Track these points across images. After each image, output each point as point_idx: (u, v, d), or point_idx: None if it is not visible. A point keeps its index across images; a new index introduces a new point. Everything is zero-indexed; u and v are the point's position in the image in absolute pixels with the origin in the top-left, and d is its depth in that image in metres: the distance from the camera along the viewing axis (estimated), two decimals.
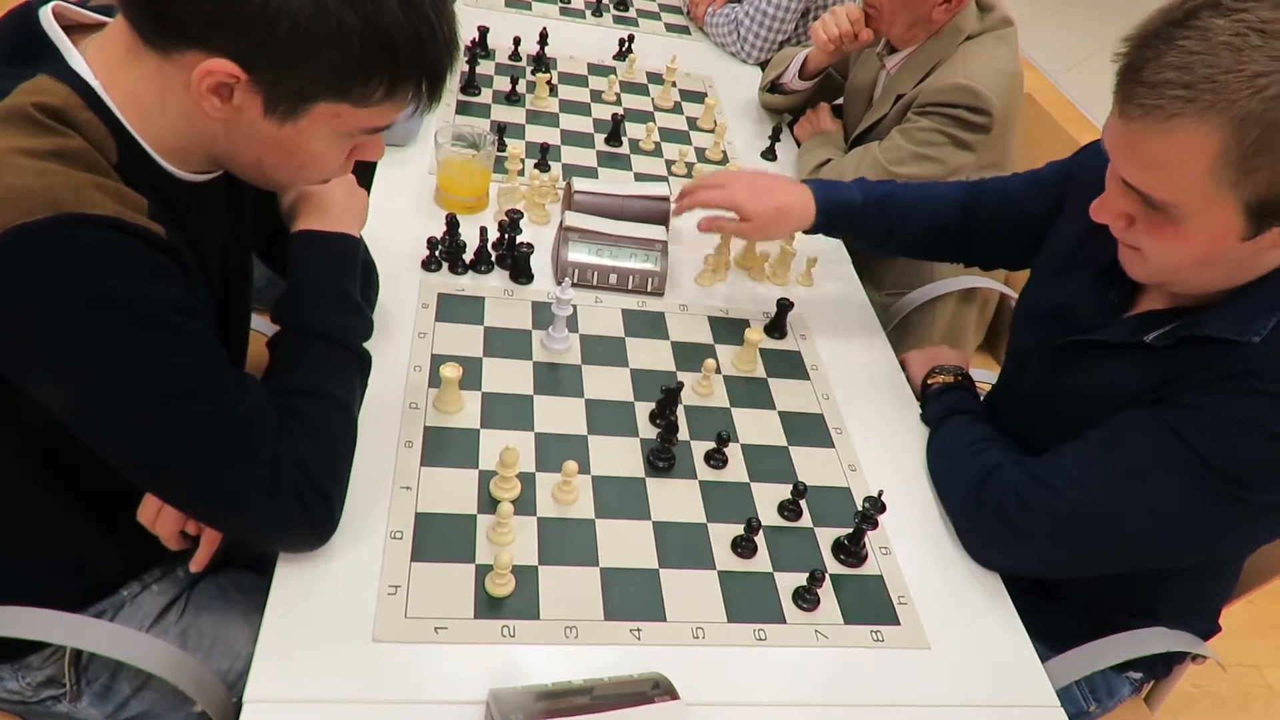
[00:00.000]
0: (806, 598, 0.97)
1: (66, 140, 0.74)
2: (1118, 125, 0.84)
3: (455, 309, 1.24)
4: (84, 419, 0.79)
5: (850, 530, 1.03)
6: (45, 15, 0.79)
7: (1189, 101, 0.76)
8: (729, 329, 1.33)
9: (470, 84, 1.76)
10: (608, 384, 1.19)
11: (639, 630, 0.91)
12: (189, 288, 0.81)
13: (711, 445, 1.11)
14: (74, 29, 0.81)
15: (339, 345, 0.95)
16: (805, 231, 1.27)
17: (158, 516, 0.91)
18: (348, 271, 1.01)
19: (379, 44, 0.76)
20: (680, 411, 1.14)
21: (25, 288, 0.72)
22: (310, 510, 0.87)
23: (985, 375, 1.42)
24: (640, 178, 1.64)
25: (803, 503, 1.07)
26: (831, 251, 1.57)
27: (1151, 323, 0.97)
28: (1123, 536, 0.97)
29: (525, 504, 1.00)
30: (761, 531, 1.01)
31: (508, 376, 1.16)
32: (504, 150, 1.51)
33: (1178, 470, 0.91)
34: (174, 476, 0.83)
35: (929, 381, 1.27)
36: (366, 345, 0.99)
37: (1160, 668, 1.23)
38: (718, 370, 1.24)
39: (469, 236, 1.32)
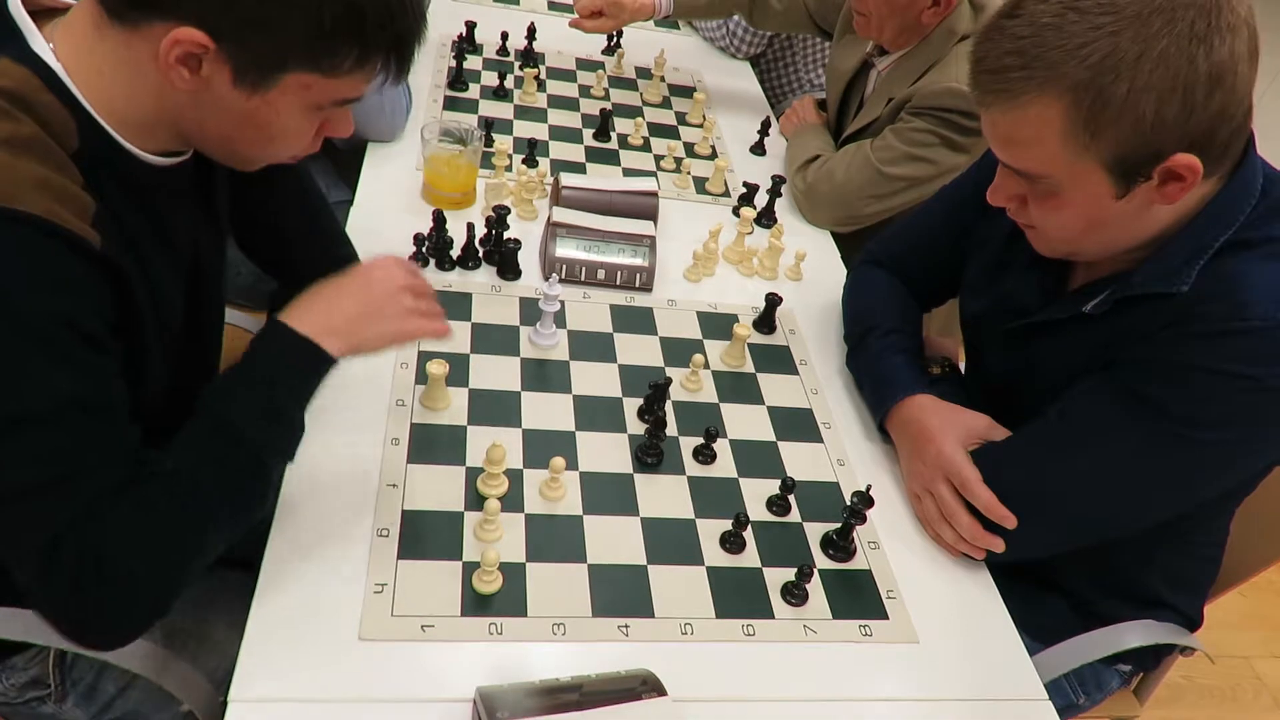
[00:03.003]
0: (795, 593, 0.97)
1: (18, 127, 0.72)
2: (984, 114, 0.92)
3: (442, 305, 1.22)
4: None
5: (839, 525, 1.03)
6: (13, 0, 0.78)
7: (1028, 80, 0.85)
8: (717, 324, 1.33)
9: (457, 79, 1.75)
10: (596, 380, 1.18)
11: (627, 627, 0.91)
12: (110, 309, 0.77)
13: (700, 441, 1.10)
14: (44, 14, 0.80)
15: (243, 451, 0.82)
16: None
17: None
18: (297, 385, 0.86)
19: (347, 12, 0.76)
20: (668, 407, 1.14)
21: None
22: (81, 604, 0.75)
23: None
24: (629, 173, 1.64)
25: (791, 498, 1.06)
26: (820, 246, 1.57)
27: (1087, 295, 1.01)
28: (1097, 500, 0.99)
29: (513, 500, 0.99)
30: (750, 527, 1.01)
31: (495, 373, 1.15)
32: (491, 146, 1.51)
33: (1135, 423, 0.94)
34: None
35: None
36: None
37: (1149, 660, 1.24)
38: (706, 365, 1.23)
39: (456, 232, 1.31)
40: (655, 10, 1.81)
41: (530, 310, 1.26)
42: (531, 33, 1.88)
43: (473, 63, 1.84)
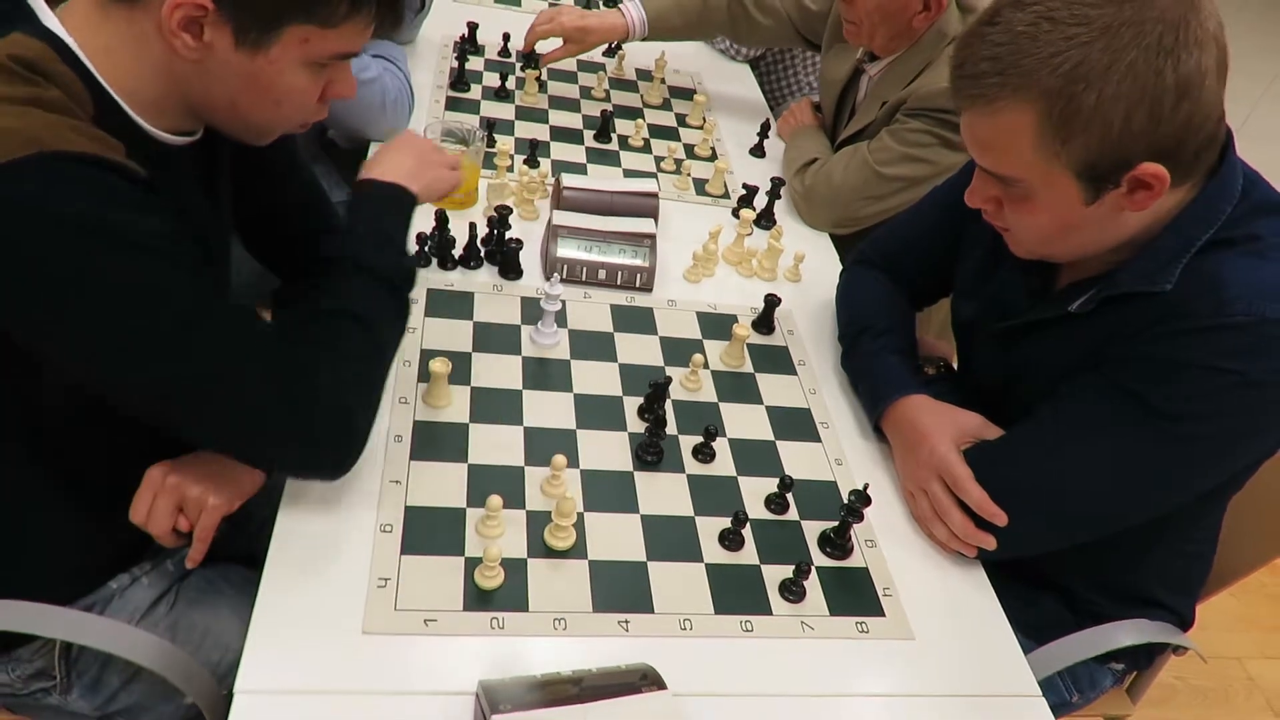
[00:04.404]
0: (793, 590, 0.98)
1: (43, 90, 0.75)
2: (962, 119, 0.95)
3: (444, 304, 1.25)
4: (96, 355, 0.78)
5: (836, 523, 1.04)
6: None
7: (1002, 86, 0.87)
8: (717, 324, 1.34)
9: (459, 80, 1.76)
10: (596, 379, 1.19)
11: (627, 622, 0.92)
12: (176, 224, 0.81)
13: (699, 439, 1.12)
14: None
15: (384, 282, 0.96)
16: None
17: (149, 515, 0.91)
18: (393, 217, 1.02)
19: None
20: (668, 406, 1.15)
21: (14, 225, 0.72)
22: (334, 434, 0.88)
23: None
24: (629, 174, 1.65)
25: (789, 496, 1.08)
26: (819, 247, 1.58)
27: (1072, 295, 1.03)
28: (1088, 496, 1.00)
29: (514, 498, 1.00)
30: (748, 525, 1.02)
31: (497, 371, 1.16)
32: (493, 146, 1.52)
33: (1124, 419, 0.96)
34: (192, 406, 0.83)
35: None
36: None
37: (1142, 659, 1.25)
38: (705, 365, 1.25)
39: (458, 232, 1.32)
40: (629, 33, 1.78)
41: (531, 309, 1.27)
42: None
43: (474, 64, 1.85)
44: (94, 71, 0.79)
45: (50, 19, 0.79)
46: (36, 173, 0.71)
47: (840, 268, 1.53)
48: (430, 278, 1.29)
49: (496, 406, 1.11)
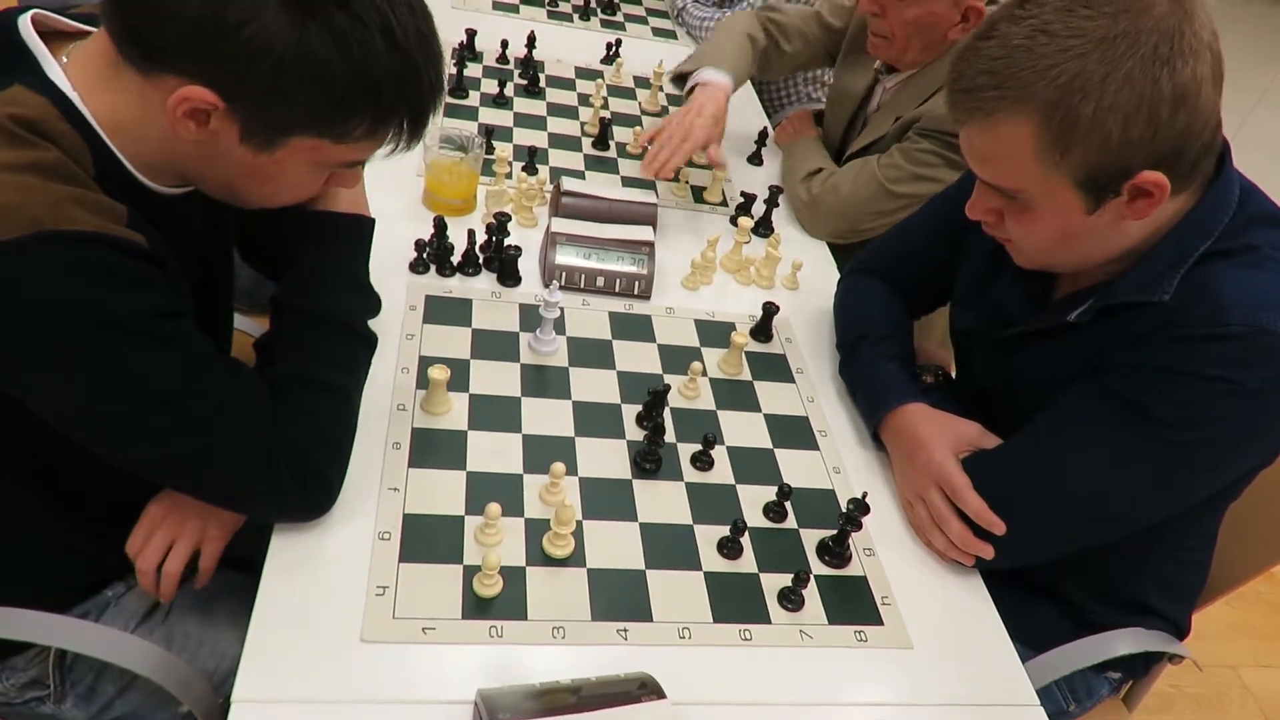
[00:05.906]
0: (791, 598, 0.98)
1: (43, 153, 0.74)
2: (961, 132, 0.95)
3: (443, 311, 1.25)
4: (80, 427, 0.80)
5: (834, 532, 1.04)
6: (24, 24, 0.79)
7: (1000, 99, 0.88)
8: (715, 332, 1.34)
9: (458, 86, 1.76)
10: (595, 386, 1.19)
11: (626, 630, 0.92)
12: (172, 291, 0.82)
13: (698, 447, 1.12)
14: (54, 36, 0.81)
15: (347, 330, 0.96)
16: None
17: (142, 550, 0.92)
18: (360, 253, 1.03)
19: (362, 85, 0.76)
20: (667, 414, 1.15)
21: (9, 306, 0.72)
22: (309, 493, 0.90)
23: None
24: (627, 181, 1.65)
25: (788, 504, 1.08)
26: (817, 256, 1.58)
27: (1071, 304, 1.04)
28: (1085, 504, 1.01)
29: (513, 506, 1.00)
30: (747, 533, 1.02)
31: (495, 378, 1.16)
32: (492, 153, 1.52)
33: (1121, 427, 0.96)
34: (176, 472, 0.85)
35: None
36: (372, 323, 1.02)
37: (1139, 668, 1.25)
38: (704, 373, 1.25)
39: (456, 239, 1.32)
40: (729, 93, 1.66)
41: (530, 317, 1.27)
42: (531, 41, 1.90)
43: (473, 70, 1.85)
44: (97, 129, 0.78)
45: (55, 71, 0.77)
46: (35, 253, 0.71)
47: (838, 276, 1.54)
48: (429, 284, 1.29)
49: (495, 414, 1.11)
